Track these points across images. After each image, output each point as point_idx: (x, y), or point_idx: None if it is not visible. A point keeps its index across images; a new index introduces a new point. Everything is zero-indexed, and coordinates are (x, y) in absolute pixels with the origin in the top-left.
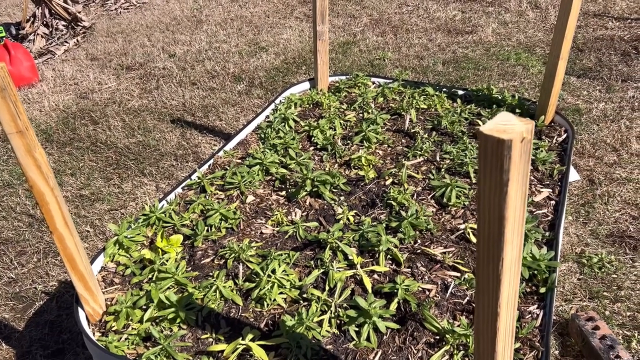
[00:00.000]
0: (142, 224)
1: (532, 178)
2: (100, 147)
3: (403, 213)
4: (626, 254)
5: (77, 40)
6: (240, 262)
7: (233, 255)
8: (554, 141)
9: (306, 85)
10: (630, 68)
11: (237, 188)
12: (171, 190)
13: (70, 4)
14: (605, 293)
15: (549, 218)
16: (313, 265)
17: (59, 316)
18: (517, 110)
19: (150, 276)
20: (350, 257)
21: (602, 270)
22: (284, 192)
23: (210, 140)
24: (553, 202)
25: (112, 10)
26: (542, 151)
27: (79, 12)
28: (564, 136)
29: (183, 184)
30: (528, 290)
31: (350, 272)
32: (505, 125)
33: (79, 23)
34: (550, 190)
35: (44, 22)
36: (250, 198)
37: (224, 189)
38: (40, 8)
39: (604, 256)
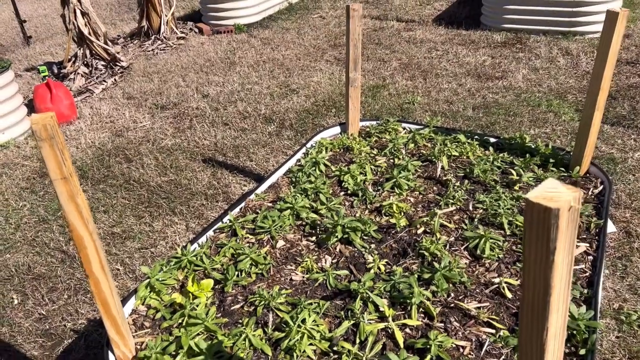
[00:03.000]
0: (174, 266)
1: None
2: (133, 184)
3: (436, 264)
4: None
5: (115, 79)
6: (270, 310)
7: (263, 302)
8: (590, 193)
9: (337, 129)
10: None
11: (267, 232)
12: (202, 232)
13: (110, 45)
14: None
15: (587, 274)
16: (343, 316)
17: (87, 355)
18: (551, 160)
19: (180, 321)
20: (381, 309)
21: None
22: (314, 238)
23: (241, 181)
24: (591, 258)
25: (149, 51)
26: None
27: (118, 53)
28: (600, 188)
29: (215, 227)
30: (567, 351)
31: (381, 325)
32: (552, 192)
33: (118, 63)
34: (588, 245)
35: (85, 62)
36: (280, 243)
37: (254, 233)
38: (82, 49)
39: None
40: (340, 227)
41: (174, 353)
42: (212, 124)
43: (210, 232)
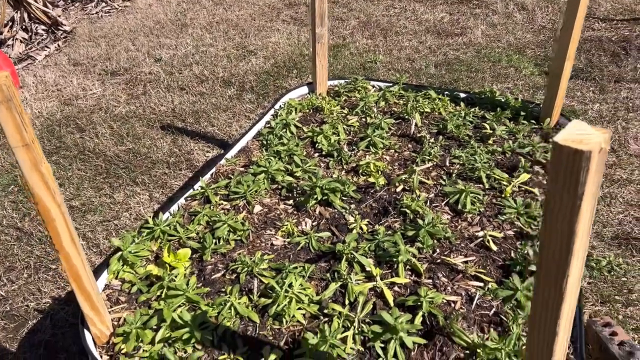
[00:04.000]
0: (146, 237)
1: (545, 182)
2: (88, 155)
3: (420, 221)
4: (633, 256)
5: (58, 45)
6: (254, 277)
7: (245, 269)
8: None
9: (304, 89)
10: (620, 69)
11: (243, 198)
12: (172, 200)
13: (50, 7)
14: (616, 297)
15: None
16: (329, 278)
17: (54, 335)
18: (522, 113)
19: (158, 293)
20: (368, 269)
21: (612, 273)
22: (291, 201)
23: (204, 147)
24: None
25: (93, 14)
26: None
27: (59, 16)
28: None
29: (186, 195)
30: None
31: (369, 285)
32: (581, 135)
33: (60, 27)
34: None
35: (23, 27)
36: (257, 208)
37: (229, 199)
38: (18, 12)
39: (612, 259)
40: (319, 189)
41: (155, 327)
42: (167, 89)
43: (182, 200)
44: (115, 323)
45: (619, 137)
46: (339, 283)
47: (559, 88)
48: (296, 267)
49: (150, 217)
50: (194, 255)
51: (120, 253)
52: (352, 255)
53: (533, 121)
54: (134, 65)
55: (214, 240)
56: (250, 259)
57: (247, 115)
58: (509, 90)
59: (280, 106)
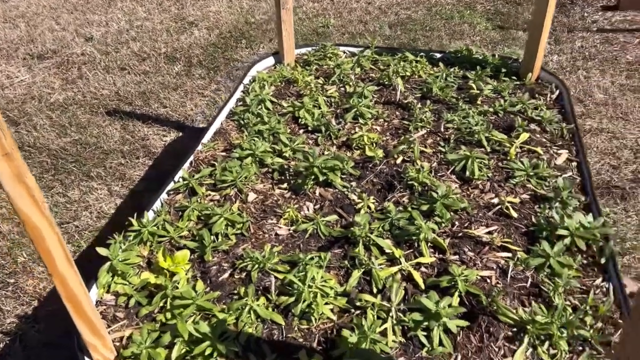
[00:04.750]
0: (134, 242)
1: (544, 140)
2: (29, 151)
3: (434, 194)
4: (617, 204)
5: None
6: (268, 273)
7: (256, 266)
8: (548, 99)
9: (271, 60)
10: (570, 18)
11: (233, 186)
12: (153, 197)
13: None
14: None
15: (578, 180)
16: (348, 265)
17: (27, 357)
18: (503, 70)
19: (162, 304)
20: (388, 251)
21: None
22: (285, 185)
23: (159, 131)
24: (575, 164)
25: None
26: (542, 110)
27: None
28: (557, 92)
29: (168, 188)
30: (585, 262)
31: (395, 269)
32: None
33: None
34: (567, 151)
35: None
36: (251, 196)
37: (217, 189)
38: None
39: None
40: (317, 169)
41: (168, 344)
42: (106, 70)
43: (164, 195)
44: (118, 344)
45: (582, 87)
46: (361, 270)
47: (540, 42)
48: (312, 258)
49: (135, 217)
50: (192, 256)
51: (108, 263)
52: (368, 238)
53: (514, 77)
54: (62, 46)
55: (212, 237)
56: (260, 253)
57: (200, 92)
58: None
59: (250, 80)
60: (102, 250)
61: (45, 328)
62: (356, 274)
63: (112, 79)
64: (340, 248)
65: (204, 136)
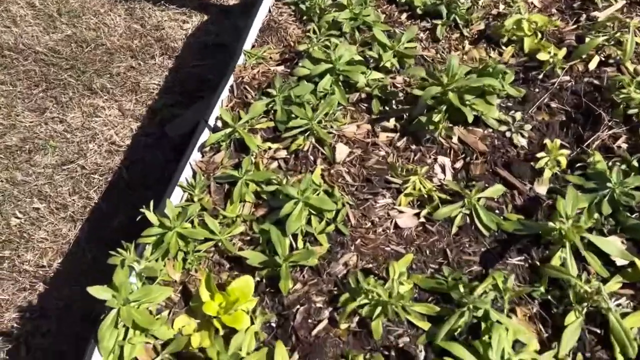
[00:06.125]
0: (156, 255)
1: None
2: (9, 56)
3: None
4: None
5: None
6: (400, 321)
7: (379, 309)
8: None
9: None
10: None
11: (307, 132)
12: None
13: None
14: None
15: None
16: (554, 303)
17: None
18: None
19: None
20: (620, 262)
21: None
22: (392, 121)
23: (176, 15)
24: None
25: None
26: None
27: None
28: None
29: (199, 142)
30: None
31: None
32: None
33: None
34: None
35: None
36: (341, 149)
37: (280, 139)
38: None
39: None
40: (454, 93)
41: None
42: None
43: (196, 154)
44: None
45: None
46: (580, 317)
47: None
48: (474, 287)
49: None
50: (256, 276)
51: (113, 312)
52: (580, 237)
53: None
54: None
55: (285, 239)
56: (383, 288)
57: None
58: None
59: None
60: (93, 291)
61: (56, 330)
62: (574, 327)
63: None
64: (521, 254)
65: (245, 36)
